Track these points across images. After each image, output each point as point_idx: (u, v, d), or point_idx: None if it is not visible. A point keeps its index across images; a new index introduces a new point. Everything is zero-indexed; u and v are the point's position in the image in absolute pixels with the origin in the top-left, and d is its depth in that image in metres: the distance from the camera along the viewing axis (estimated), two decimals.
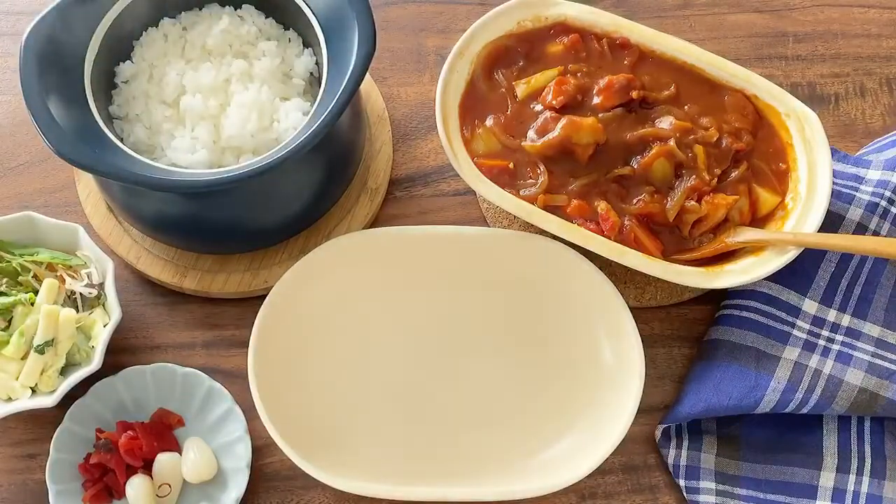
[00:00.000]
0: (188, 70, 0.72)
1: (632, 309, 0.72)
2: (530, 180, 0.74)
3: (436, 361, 0.75)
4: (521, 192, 0.73)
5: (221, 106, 0.71)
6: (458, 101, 0.75)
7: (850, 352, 0.73)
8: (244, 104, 0.70)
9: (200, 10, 0.75)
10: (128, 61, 0.73)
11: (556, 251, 0.73)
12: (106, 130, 0.66)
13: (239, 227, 0.75)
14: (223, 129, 0.70)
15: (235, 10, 0.75)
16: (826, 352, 0.73)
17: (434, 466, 0.72)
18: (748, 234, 0.73)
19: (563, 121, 0.73)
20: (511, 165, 0.74)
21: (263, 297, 0.71)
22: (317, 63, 0.72)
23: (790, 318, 0.75)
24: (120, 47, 0.73)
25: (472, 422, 0.74)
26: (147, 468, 0.71)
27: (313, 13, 0.70)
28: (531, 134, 0.75)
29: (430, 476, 0.71)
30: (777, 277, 0.73)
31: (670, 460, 0.73)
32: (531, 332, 0.75)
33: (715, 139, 0.74)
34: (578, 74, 0.76)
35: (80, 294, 0.73)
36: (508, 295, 0.76)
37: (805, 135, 0.75)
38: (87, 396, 0.72)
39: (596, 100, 0.75)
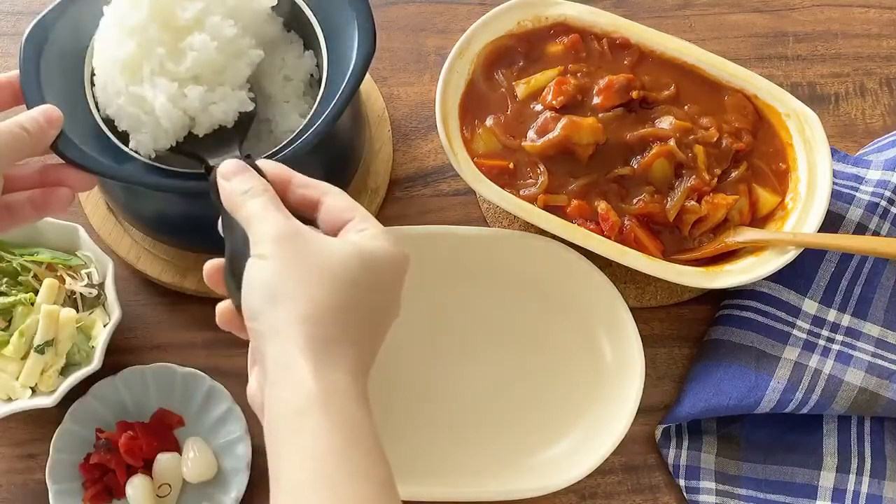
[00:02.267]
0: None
1: (632, 309, 0.73)
2: (530, 180, 0.74)
3: (435, 361, 0.75)
4: (521, 192, 0.73)
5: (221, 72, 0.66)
6: (458, 101, 0.75)
7: (850, 352, 0.73)
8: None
9: None
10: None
11: (556, 251, 0.73)
12: (105, 130, 0.66)
13: None
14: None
15: None
16: (826, 352, 0.73)
17: (433, 466, 0.72)
18: (748, 234, 0.73)
19: (563, 121, 0.73)
20: (511, 165, 0.74)
21: None
22: (317, 65, 0.72)
23: (790, 318, 0.75)
24: None
25: (471, 421, 0.74)
26: (147, 468, 0.71)
27: (314, 14, 0.70)
28: (531, 134, 0.75)
29: (429, 475, 0.71)
30: (777, 277, 0.73)
31: (670, 460, 0.73)
32: (531, 332, 0.75)
33: (715, 139, 0.74)
34: (578, 74, 0.76)
35: (80, 294, 0.73)
36: (508, 295, 0.76)
37: (805, 135, 0.75)
38: (87, 396, 0.72)
39: (596, 100, 0.75)
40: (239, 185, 0.52)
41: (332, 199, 0.52)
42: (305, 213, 0.54)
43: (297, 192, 0.53)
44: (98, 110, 0.67)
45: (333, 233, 0.52)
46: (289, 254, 0.48)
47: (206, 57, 0.64)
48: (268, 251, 0.48)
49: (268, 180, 0.53)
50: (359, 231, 0.50)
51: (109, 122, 0.67)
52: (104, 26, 0.66)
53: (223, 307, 0.52)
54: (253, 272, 0.48)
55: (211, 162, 0.59)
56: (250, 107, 0.67)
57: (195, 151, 0.63)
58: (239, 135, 0.65)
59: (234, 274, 0.50)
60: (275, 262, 0.47)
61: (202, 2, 0.64)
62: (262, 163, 0.55)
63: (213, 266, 0.53)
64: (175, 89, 0.64)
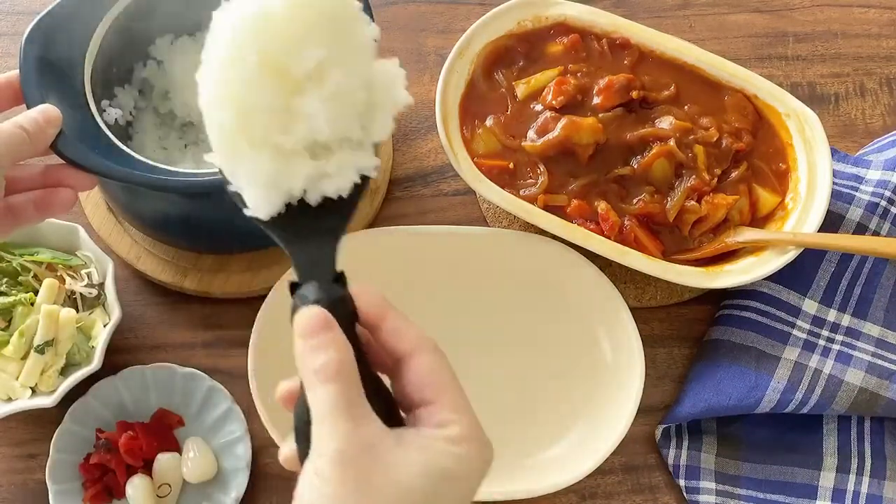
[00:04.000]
0: None
1: (632, 309, 0.73)
2: (530, 180, 0.74)
3: None
4: (521, 192, 0.73)
5: None
6: (458, 101, 0.75)
7: (850, 352, 0.73)
8: None
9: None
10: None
11: (556, 251, 0.73)
12: (106, 130, 0.66)
13: (239, 227, 0.74)
14: None
15: None
16: (826, 352, 0.73)
17: None
18: (748, 234, 0.73)
19: (563, 121, 0.73)
20: (511, 165, 0.74)
21: (263, 297, 0.71)
22: None
23: (790, 318, 0.75)
24: (120, 47, 0.73)
25: None
26: (147, 468, 0.71)
27: None
28: (531, 134, 0.75)
29: None
30: (777, 277, 0.73)
31: (670, 460, 0.73)
32: (531, 333, 0.75)
33: (715, 139, 0.74)
34: (578, 74, 0.76)
35: (80, 294, 0.73)
36: (508, 295, 0.75)
37: (805, 135, 0.75)
38: (87, 396, 0.72)
39: (596, 100, 0.75)
40: (313, 356, 0.45)
41: (417, 364, 0.46)
42: (387, 368, 0.48)
43: (385, 341, 0.47)
44: (98, 110, 0.67)
45: (409, 408, 0.46)
46: (346, 480, 0.42)
47: (320, 124, 0.46)
48: (326, 471, 0.42)
49: (357, 317, 0.46)
50: (438, 426, 0.45)
51: (109, 122, 0.67)
52: (205, 59, 0.46)
53: (288, 454, 0.48)
54: (306, 488, 0.43)
55: (295, 275, 0.48)
56: (374, 167, 0.47)
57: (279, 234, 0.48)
58: (337, 228, 0.48)
59: (304, 435, 0.45)
60: (330, 487, 0.42)
61: (322, 48, 0.45)
62: (357, 292, 0.46)
63: (287, 390, 0.48)
64: (275, 169, 0.46)
